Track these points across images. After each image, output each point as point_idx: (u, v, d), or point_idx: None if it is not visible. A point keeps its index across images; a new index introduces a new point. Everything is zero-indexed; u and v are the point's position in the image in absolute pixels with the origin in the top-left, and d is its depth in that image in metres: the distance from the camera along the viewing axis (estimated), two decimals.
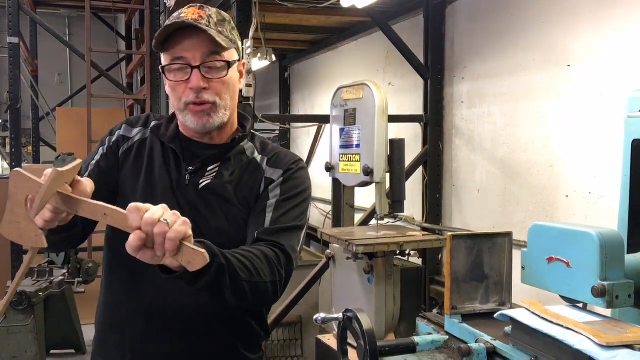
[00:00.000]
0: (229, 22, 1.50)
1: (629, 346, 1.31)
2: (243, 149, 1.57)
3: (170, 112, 1.65)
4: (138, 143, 1.56)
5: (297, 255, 1.47)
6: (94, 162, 1.54)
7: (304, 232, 1.52)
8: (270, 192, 1.50)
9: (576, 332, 1.38)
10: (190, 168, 1.51)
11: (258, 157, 1.57)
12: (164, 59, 1.49)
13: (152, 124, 1.59)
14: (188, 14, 1.44)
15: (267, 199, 1.49)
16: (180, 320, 1.47)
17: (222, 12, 1.51)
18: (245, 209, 1.49)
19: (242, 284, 1.28)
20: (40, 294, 4.44)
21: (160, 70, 1.53)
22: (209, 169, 1.53)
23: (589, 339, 1.34)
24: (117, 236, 1.40)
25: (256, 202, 1.50)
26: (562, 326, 1.42)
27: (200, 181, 1.51)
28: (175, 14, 1.48)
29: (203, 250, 1.10)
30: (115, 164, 1.54)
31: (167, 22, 1.45)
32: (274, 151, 1.59)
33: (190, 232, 1.10)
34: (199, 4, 1.50)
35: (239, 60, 1.54)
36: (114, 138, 1.57)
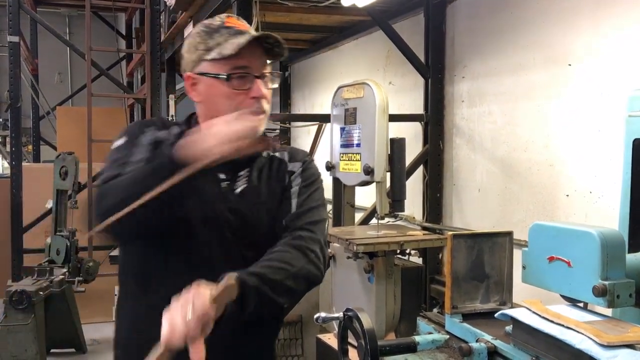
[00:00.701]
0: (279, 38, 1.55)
1: (630, 346, 1.31)
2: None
3: (177, 115, 1.65)
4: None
5: (325, 226, 1.55)
6: None
7: (326, 209, 1.63)
8: (292, 182, 1.58)
9: (577, 331, 1.38)
10: (223, 176, 1.51)
11: (277, 153, 1.62)
12: (220, 67, 1.46)
13: (173, 131, 1.55)
14: (235, 24, 1.49)
15: (290, 188, 1.58)
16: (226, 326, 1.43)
17: None
18: (274, 200, 1.57)
19: (284, 284, 1.37)
20: (41, 293, 4.44)
21: (205, 77, 1.49)
22: (239, 174, 1.54)
23: (590, 338, 1.34)
24: (154, 255, 1.45)
25: (283, 193, 1.58)
26: (562, 326, 1.43)
27: (235, 187, 1.52)
28: (217, 23, 1.49)
29: (229, 284, 1.22)
30: None
31: (224, 30, 1.47)
32: (286, 148, 1.68)
33: (204, 295, 1.19)
34: (234, 15, 1.56)
35: None
36: (153, 139, 1.52)
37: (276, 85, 1.55)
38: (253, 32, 1.48)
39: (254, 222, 1.51)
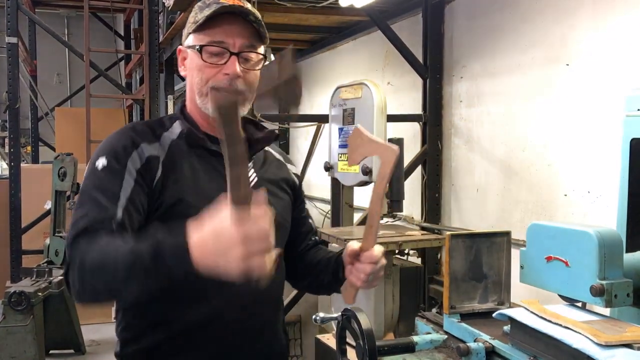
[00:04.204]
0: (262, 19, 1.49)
1: (628, 345, 1.31)
2: None
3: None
4: (171, 152, 1.44)
5: None
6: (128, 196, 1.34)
7: None
8: (300, 191, 1.71)
9: (575, 331, 1.38)
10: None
11: (267, 147, 1.63)
12: (199, 39, 1.44)
13: (175, 130, 1.48)
14: (229, 1, 1.44)
15: (303, 202, 1.72)
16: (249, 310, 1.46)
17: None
18: (285, 198, 1.62)
19: None
20: (40, 294, 4.44)
21: (188, 49, 1.47)
22: (250, 165, 1.55)
23: (588, 338, 1.34)
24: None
25: (292, 191, 1.65)
26: (560, 325, 1.43)
27: (250, 179, 1.50)
28: None
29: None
30: (151, 189, 1.39)
31: (213, 4, 1.42)
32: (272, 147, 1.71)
33: None
34: None
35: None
36: (142, 162, 1.39)
37: (259, 68, 1.47)
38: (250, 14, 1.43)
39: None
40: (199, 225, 1.11)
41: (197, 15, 1.45)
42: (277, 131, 1.64)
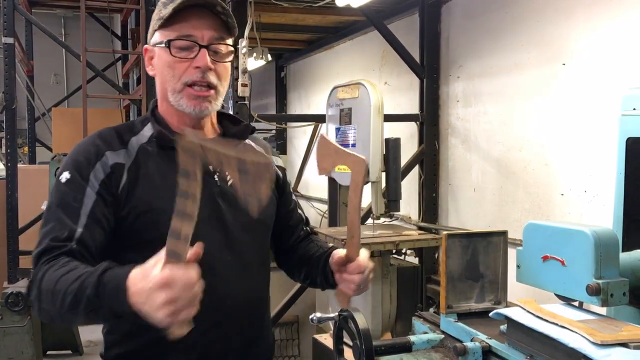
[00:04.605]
0: (229, 10, 1.47)
1: (624, 344, 1.32)
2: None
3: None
4: (138, 158, 1.41)
5: None
6: (90, 209, 1.33)
7: None
8: (286, 184, 1.67)
9: (571, 330, 1.38)
10: (212, 168, 1.42)
11: (247, 140, 1.60)
12: (166, 35, 1.41)
13: (145, 133, 1.45)
14: None
15: (289, 194, 1.68)
16: (234, 307, 1.45)
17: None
18: (271, 194, 1.59)
19: None
20: None
21: (155, 46, 1.44)
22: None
23: (584, 337, 1.34)
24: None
25: (276, 184, 1.61)
26: (557, 325, 1.43)
27: (228, 177, 1.46)
28: None
29: None
30: (116, 198, 1.37)
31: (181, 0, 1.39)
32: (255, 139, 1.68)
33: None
34: None
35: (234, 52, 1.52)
36: (106, 172, 1.37)
37: (229, 60, 1.46)
38: (217, 5, 1.41)
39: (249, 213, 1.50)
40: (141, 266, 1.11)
41: (161, 11, 1.42)
42: (253, 125, 1.61)
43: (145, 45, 1.49)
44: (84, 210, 1.32)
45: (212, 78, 1.41)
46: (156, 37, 1.44)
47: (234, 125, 1.57)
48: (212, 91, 1.42)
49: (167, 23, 1.40)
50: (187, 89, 1.40)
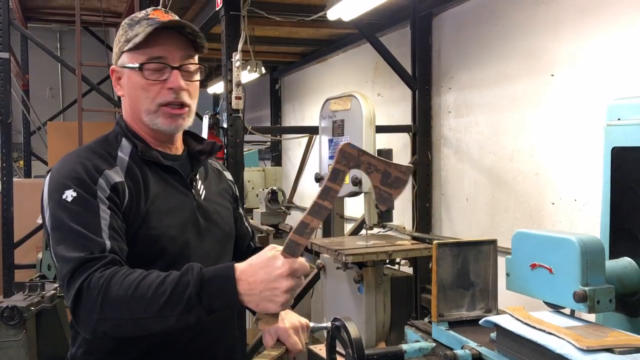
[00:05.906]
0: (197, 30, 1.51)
1: (609, 350, 1.34)
2: None
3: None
4: (129, 173, 1.45)
5: None
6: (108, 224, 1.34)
7: None
8: (238, 199, 1.75)
9: (558, 336, 1.41)
10: (185, 184, 1.54)
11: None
12: (136, 57, 1.44)
13: (124, 149, 1.48)
14: (158, 16, 1.45)
15: (239, 208, 1.75)
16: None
17: None
18: (228, 207, 1.67)
19: None
20: (32, 308, 4.42)
21: (124, 69, 1.46)
22: (195, 179, 1.58)
23: (570, 343, 1.36)
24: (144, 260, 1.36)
25: (232, 198, 1.71)
26: (544, 331, 1.45)
27: (200, 192, 1.56)
28: (141, 15, 1.48)
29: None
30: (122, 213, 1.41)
31: (144, 21, 1.44)
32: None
33: None
34: (162, 8, 1.51)
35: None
36: (109, 189, 1.39)
37: (198, 78, 1.51)
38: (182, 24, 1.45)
39: (221, 225, 1.59)
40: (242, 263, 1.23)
41: (128, 33, 1.46)
42: (217, 143, 1.68)
43: (112, 66, 1.51)
44: (103, 223, 1.32)
45: (185, 97, 1.47)
46: (124, 58, 1.47)
47: (197, 143, 1.62)
48: (186, 108, 1.48)
49: (137, 46, 1.43)
50: (163, 108, 1.46)
